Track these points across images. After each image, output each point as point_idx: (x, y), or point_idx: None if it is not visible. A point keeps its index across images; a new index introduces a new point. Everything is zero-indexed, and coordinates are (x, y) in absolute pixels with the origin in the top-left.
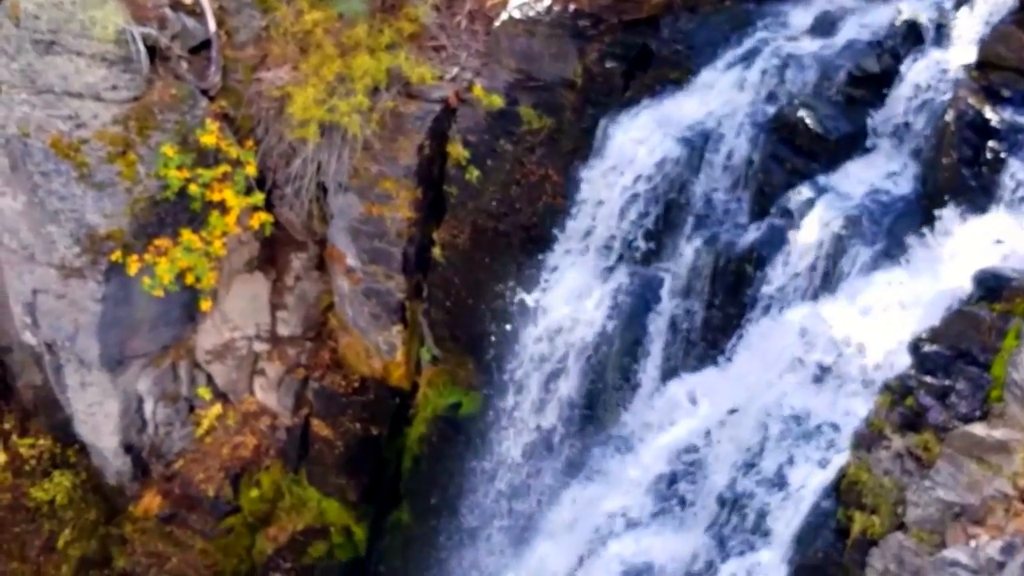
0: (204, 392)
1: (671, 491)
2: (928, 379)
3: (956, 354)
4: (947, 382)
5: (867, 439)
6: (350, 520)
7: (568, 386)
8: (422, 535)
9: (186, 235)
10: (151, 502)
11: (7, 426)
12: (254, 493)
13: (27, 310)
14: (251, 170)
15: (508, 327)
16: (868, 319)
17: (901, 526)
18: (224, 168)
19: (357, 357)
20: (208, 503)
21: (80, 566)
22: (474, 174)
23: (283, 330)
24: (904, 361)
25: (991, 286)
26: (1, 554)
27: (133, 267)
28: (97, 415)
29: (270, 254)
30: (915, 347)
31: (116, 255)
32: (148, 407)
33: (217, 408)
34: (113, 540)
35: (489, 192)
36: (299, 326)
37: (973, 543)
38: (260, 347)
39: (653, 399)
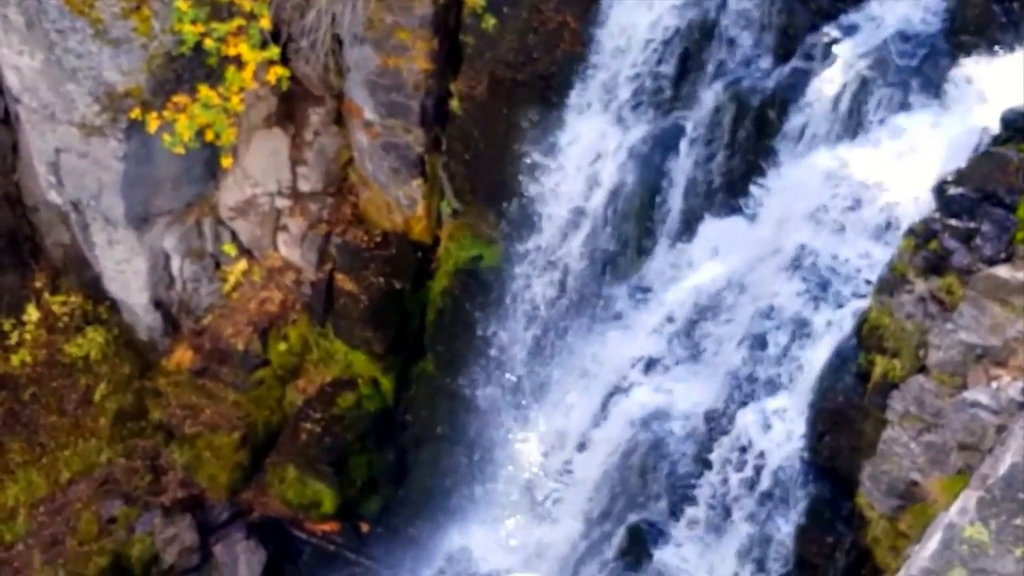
0: (229, 248)
1: (692, 338)
2: (953, 222)
3: (982, 196)
4: (972, 224)
5: (890, 283)
6: (377, 371)
7: (589, 237)
8: (447, 385)
9: (204, 91)
10: (183, 356)
11: (38, 284)
12: (282, 347)
13: (51, 169)
14: (265, 23)
15: (528, 179)
16: (893, 162)
17: (922, 369)
18: (238, 22)
19: (378, 212)
20: (238, 357)
21: (117, 418)
22: (490, 22)
23: (304, 186)
24: (929, 204)
25: (1019, 126)
26: (40, 408)
27: (153, 124)
28: (126, 272)
29: (288, 109)
30: (940, 190)
31: (135, 112)
32: (175, 264)
33: (242, 264)
34: (148, 393)
35: (506, 41)
36: (320, 181)
37: (994, 384)
38: (282, 203)
39: (674, 248)
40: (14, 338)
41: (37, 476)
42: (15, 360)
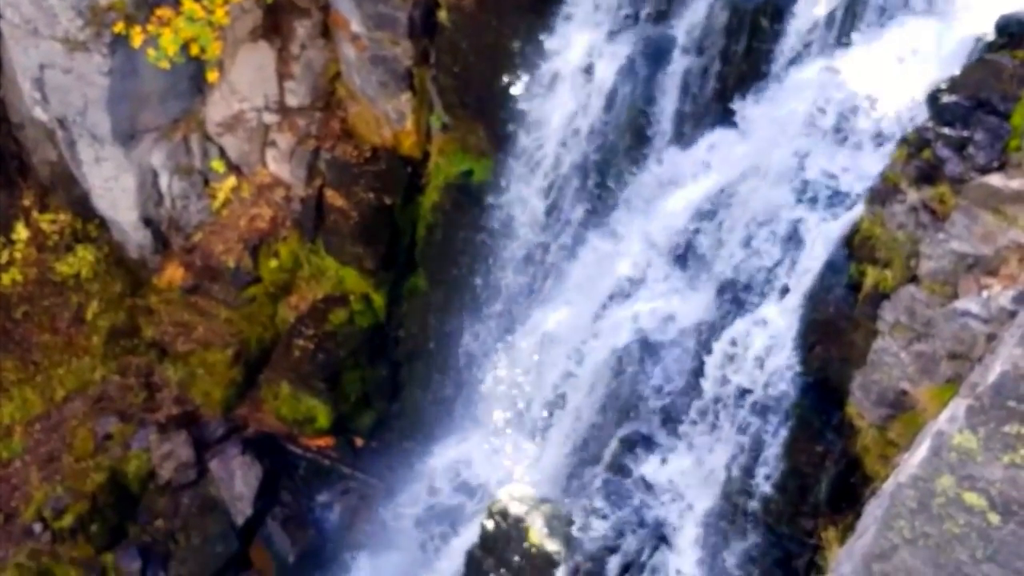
0: (217, 165)
1: (684, 251)
2: (946, 130)
3: (975, 104)
4: (965, 133)
5: (882, 193)
6: (368, 288)
7: (580, 150)
8: (438, 301)
9: (188, 4)
10: (174, 274)
11: (26, 202)
12: (273, 263)
13: (36, 86)
14: None
15: (518, 91)
16: (886, 72)
17: (913, 279)
18: None
19: (367, 126)
20: (229, 274)
21: (110, 336)
22: None
23: (291, 100)
24: (922, 113)
25: (1014, 32)
26: (33, 326)
27: (137, 39)
28: (114, 190)
29: (274, 22)
30: (933, 98)
31: (119, 27)
32: (163, 181)
33: (231, 180)
34: (140, 311)
35: None
36: (307, 96)
37: (985, 293)
38: (270, 118)
39: (666, 161)
40: (4, 257)
41: (32, 394)
42: (6, 279)
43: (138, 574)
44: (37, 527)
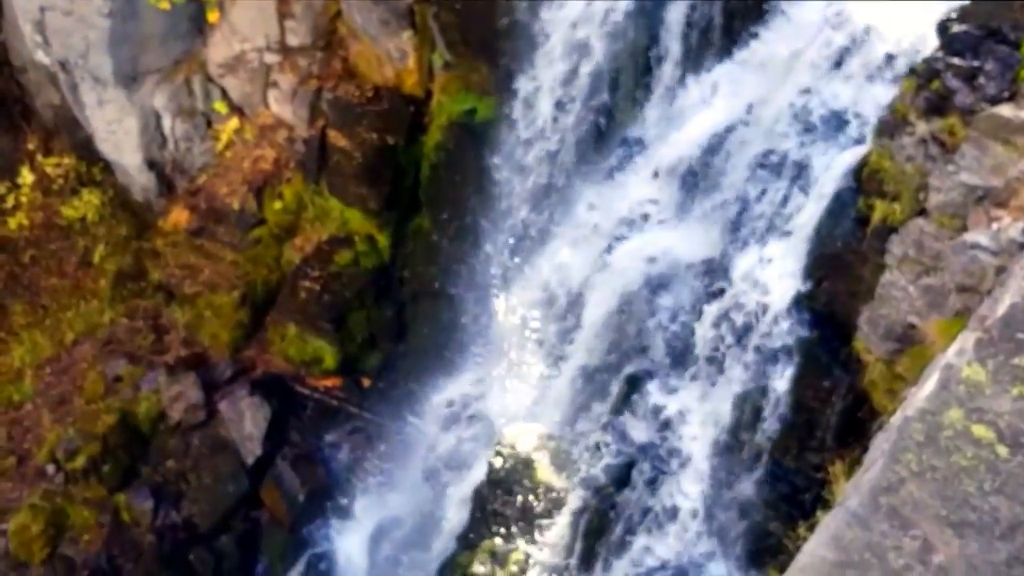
0: (220, 106)
1: (689, 187)
2: (956, 60)
3: (986, 33)
4: (975, 63)
5: (890, 126)
6: (373, 228)
7: (583, 87)
8: (443, 240)
9: None
10: (179, 217)
11: (31, 146)
12: (277, 205)
13: (37, 28)
14: None
15: (520, 28)
16: (893, 2)
17: (922, 212)
18: None
19: (369, 65)
20: (234, 216)
21: (117, 279)
22: None
23: (292, 40)
24: (931, 43)
25: None
26: (40, 270)
27: None
28: (117, 133)
29: None
30: (943, 28)
31: None
32: (166, 123)
33: (234, 122)
34: (146, 254)
35: None
36: (308, 35)
37: (995, 226)
38: (271, 58)
39: (673, 95)
40: (10, 201)
41: (41, 337)
42: (12, 223)
43: (150, 513)
44: (50, 468)
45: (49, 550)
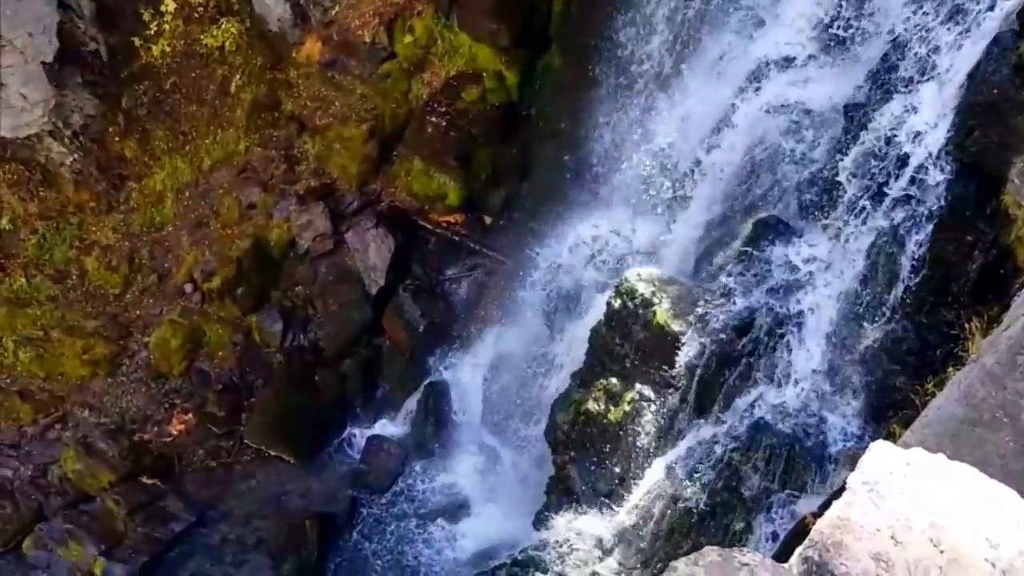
0: None
1: (834, 31)
2: None
3: None
4: None
5: None
6: (501, 65)
7: None
8: (573, 79)
9: None
10: (312, 48)
11: None
12: (407, 39)
13: None
14: None
15: None
16: None
17: None
18: None
19: None
20: (365, 49)
21: (252, 109)
22: None
23: None
24: None
25: None
26: (181, 97)
27: None
28: None
29: None
30: None
31: None
32: None
33: None
34: (280, 85)
35: None
36: None
37: None
38: None
39: None
40: (153, 28)
41: (181, 163)
42: (155, 50)
43: (279, 335)
44: (188, 287)
45: (187, 363)
